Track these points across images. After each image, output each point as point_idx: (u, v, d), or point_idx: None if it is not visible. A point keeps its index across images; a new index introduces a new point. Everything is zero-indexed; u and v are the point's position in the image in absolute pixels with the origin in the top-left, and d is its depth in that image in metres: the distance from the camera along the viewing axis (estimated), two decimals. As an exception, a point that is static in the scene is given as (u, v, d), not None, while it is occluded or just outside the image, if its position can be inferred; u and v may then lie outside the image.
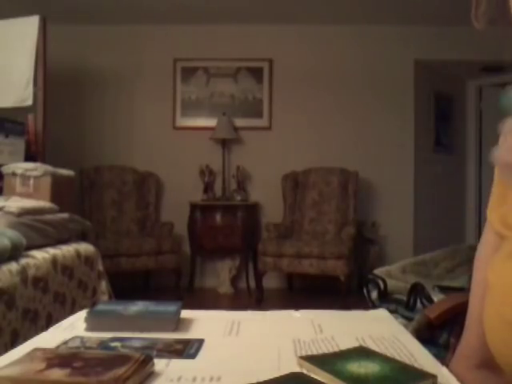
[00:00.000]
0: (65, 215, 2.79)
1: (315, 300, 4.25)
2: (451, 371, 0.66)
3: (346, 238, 4.15)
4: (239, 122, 4.87)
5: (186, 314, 0.95)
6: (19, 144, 3.41)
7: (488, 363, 0.66)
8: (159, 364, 0.68)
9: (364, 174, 4.68)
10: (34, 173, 3.08)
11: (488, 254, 0.65)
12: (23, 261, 2.06)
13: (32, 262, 2.10)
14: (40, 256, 2.21)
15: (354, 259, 4.25)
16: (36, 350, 0.69)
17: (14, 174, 3.11)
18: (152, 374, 0.65)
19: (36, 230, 2.44)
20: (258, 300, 4.26)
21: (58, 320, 0.98)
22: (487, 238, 0.67)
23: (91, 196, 4.56)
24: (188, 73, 4.93)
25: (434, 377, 0.61)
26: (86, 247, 2.69)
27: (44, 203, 2.81)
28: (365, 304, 2.31)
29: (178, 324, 0.90)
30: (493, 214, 0.65)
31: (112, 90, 4.89)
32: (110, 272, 2.94)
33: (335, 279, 4.03)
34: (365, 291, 2.33)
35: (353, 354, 0.69)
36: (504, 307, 0.55)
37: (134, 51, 4.89)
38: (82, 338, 0.81)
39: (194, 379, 0.63)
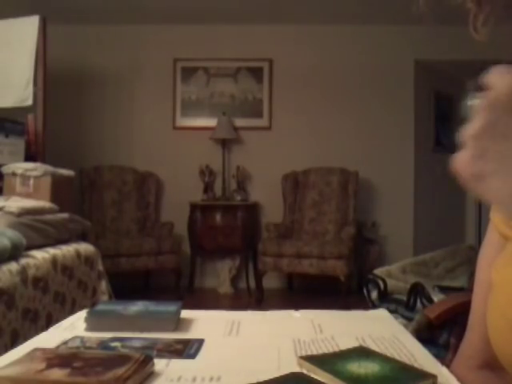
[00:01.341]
0: (65, 215, 2.79)
1: (315, 300, 4.25)
2: (452, 371, 0.66)
3: (346, 238, 4.15)
4: (239, 122, 4.87)
5: (186, 314, 0.95)
6: (19, 144, 3.41)
7: (490, 364, 0.66)
8: (159, 364, 0.68)
9: (364, 174, 4.68)
10: (34, 173, 3.08)
11: (491, 255, 0.64)
12: (23, 261, 2.06)
13: (32, 262, 2.10)
14: (40, 256, 2.21)
15: (354, 259, 4.25)
16: (36, 350, 0.69)
17: (14, 174, 3.11)
18: (152, 374, 0.65)
19: (36, 230, 2.44)
20: (258, 300, 4.26)
21: (58, 320, 0.98)
22: (490, 239, 0.67)
23: (91, 196, 4.56)
24: (188, 73, 4.93)
25: (433, 377, 0.61)
26: (85, 247, 2.69)
27: (44, 203, 2.81)
28: (365, 304, 2.31)
29: (178, 324, 0.90)
30: (496, 214, 0.65)
31: (112, 90, 4.89)
32: (109, 272, 2.94)
33: (335, 279, 4.03)
34: (365, 291, 2.33)
35: (353, 354, 0.69)
36: (508, 307, 0.55)
37: (134, 51, 4.89)
38: (82, 338, 0.81)
39: (194, 379, 0.63)
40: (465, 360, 0.69)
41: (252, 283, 4.52)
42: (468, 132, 0.39)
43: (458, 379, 0.63)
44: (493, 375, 0.65)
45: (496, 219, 0.65)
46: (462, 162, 0.40)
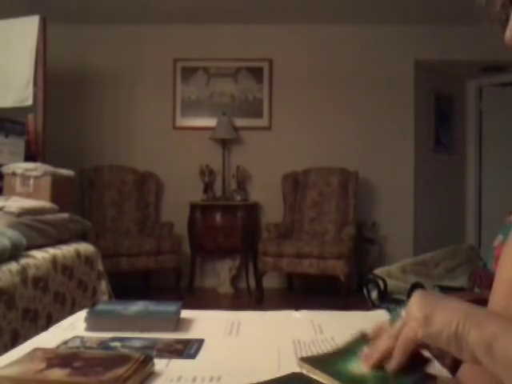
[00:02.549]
0: (65, 215, 2.79)
1: (315, 300, 4.25)
2: (464, 369, 0.66)
3: (346, 238, 4.15)
4: (239, 122, 4.87)
5: (186, 314, 0.95)
6: (19, 144, 3.41)
7: None
8: (159, 364, 0.68)
9: (364, 174, 4.68)
10: (34, 173, 3.07)
11: None
12: (23, 261, 2.06)
13: (32, 262, 2.10)
14: (40, 256, 2.20)
15: (354, 259, 4.25)
16: (36, 349, 0.69)
17: (14, 174, 3.11)
18: (152, 374, 0.65)
19: (36, 230, 2.43)
20: (258, 300, 4.26)
21: (57, 320, 0.98)
22: None
23: (91, 196, 4.56)
24: (188, 73, 4.93)
25: (434, 377, 0.61)
26: (85, 247, 2.69)
27: (44, 203, 2.81)
28: (365, 304, 2.31)
29: (178, 324, 0.90)
30: None
31: (112, 90, 4.89)
32: (109, 272, 2.94)
33: (335, 279, 4.03)
34: (365, 291, 2.33)
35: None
36: None
37: (134, 51, 4.89)
38: (82, 338, 0.81)
39: (194, 379, 0.64)
40: None
41: (252, 283, 4.52)
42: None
43: (470, 376, 0.63)
44: None
45: None
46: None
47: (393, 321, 0.62)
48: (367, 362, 0.62)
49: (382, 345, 0.61)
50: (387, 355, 0.60)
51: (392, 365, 0.59)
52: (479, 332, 0.53)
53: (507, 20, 0.61)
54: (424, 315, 0.57)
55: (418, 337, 0.58)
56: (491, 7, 0.63)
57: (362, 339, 0.68)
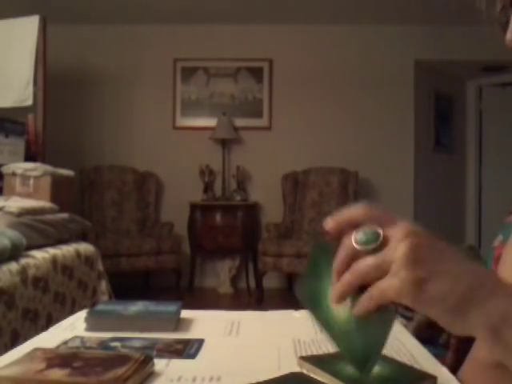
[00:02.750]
0: (65, 215, 2.79)
1: (315, 300, 4.25)
2: (466, 370, 0.66)
3: (346, 238, 4.15)
4: (239, 122, 4.87)
5: (186, 313, 0.95)
6: (19, 144, 3.41)
7: None
8: (159, 364, 0.68)
9: (364, 173, 4.68)
10: (34, 173, 3.08)
11: None
12: (23, 261, 2.06)
13: (32, 262, 2.10)
14: (40, 256, 2.21)
15: (354, 259, 4.24)
16: (36, 349, 0.69)
17: (13, 174, 3.11)
18: (152, 374, 0.65)
19: (36, 230, 2.44)
20: (258, 300, 4.26)
21: (58, 320, 0.98)
22: None
23: (91, 196, 4.56)
24: (188, 73, 4.93)
25: (434, 377, 0.61)
26: (85, 247, 2.69)
27: (44, 203, 2.81)
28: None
29: (178, 324, 0.90)
30: None
31: (112, 90, 4.89)
32: (109, 272, 2.94)
33: (335, 279, 4.03)
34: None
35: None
36: None
37: (134, 51, 4.89)
38: (82, 338, 0.81)
39: (194, 379, 0.64)
40: (480, 358, 0.68)
41: (252, 283, 4.52)
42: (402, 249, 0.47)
43: (471, 376, 0.63)
44: (509, 373, 0.65)
45: None
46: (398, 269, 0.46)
47: (364, 242, 0.49)
48: (333, 301, 0.50)
49: (348, 282, 0.50)
50: (353, 292, 0.49)
51: (359, 311, 0.49)
52: (485, 312, 0.46)
53: (507, 23, 0.61)
54: (416, 278, 0.45)
55: (400, 300, 0.47)
56: (492, 9, 0.63)
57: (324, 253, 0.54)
